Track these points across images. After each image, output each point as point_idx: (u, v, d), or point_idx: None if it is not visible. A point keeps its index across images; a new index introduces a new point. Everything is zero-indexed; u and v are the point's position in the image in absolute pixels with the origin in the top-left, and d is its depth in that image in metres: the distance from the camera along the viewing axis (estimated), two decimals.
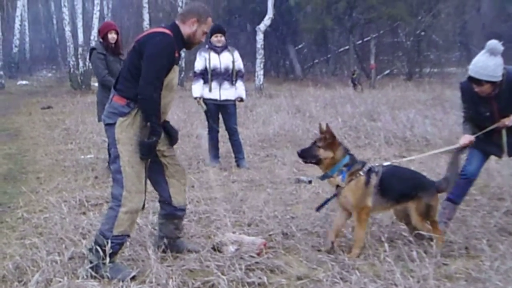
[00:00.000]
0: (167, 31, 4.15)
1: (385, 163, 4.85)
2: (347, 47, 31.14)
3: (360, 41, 31.72)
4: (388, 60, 33.53)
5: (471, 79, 4.67)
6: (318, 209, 4.73)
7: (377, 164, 4.73)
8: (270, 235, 4.92)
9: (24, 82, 29.65)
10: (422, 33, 30.49)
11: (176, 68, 4.22)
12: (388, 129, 10.34)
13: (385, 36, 32.46)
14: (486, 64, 4.57)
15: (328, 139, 4.53)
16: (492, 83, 4.60)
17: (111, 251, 4.01)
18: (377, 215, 5.10)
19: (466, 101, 4.98)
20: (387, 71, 31.74)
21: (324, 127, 4.58)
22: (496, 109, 4.79)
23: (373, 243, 4.58)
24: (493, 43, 4.60)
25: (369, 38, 29.95)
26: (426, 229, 4.52)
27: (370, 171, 4.52)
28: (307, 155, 4.62)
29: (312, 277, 3.99)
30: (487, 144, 4.98)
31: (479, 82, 4.62)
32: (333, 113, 12.75)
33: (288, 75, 32.66)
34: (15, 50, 31.64)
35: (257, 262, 4.23)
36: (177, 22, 4.25)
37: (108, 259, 3.96)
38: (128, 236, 4.23)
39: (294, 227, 5.01)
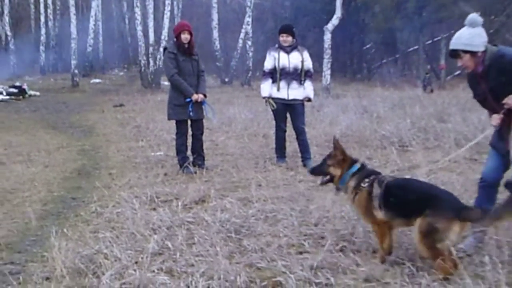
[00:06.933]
0: None
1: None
2: (416, 47, 30.54)
3: (430, 41, 31.00)
4: None
5: (451, 54, 4.56)
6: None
7: (387, 175, 4.49)
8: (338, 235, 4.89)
9: (97, 80, 30.70)
10: (495, 33, 29.54)
11: None
12: (458, 131, 10.05)
13: None
14: (461, 34, 4.47)
15: (338, 156, 4.46)
16: (471, 53, 4.38)
17: None
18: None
19: (470, 86, 4.74)
20: (458, 72, 30.92)
21: (335, 141, 4.51)
22: (486, 90, 4.45)
23: None
24: (472, 15, 4.49)
25: (439, 38, 29.31)
26: (426, 253, 3.98)
27: (373, 182, 4.26)
28: (318, 172, 4.65)
29: (380, 279, 3.94)
30: (497, 140, 4.59)
31: (456, 54, 4.47)
32: (402, 114, 12.53)
33: (355, 75, 32.34)
34: (89, 49, 32.73)
35: (325, 262, 4.22)
36: None
37: None
38: None
39: (362, 227, 4.92)
